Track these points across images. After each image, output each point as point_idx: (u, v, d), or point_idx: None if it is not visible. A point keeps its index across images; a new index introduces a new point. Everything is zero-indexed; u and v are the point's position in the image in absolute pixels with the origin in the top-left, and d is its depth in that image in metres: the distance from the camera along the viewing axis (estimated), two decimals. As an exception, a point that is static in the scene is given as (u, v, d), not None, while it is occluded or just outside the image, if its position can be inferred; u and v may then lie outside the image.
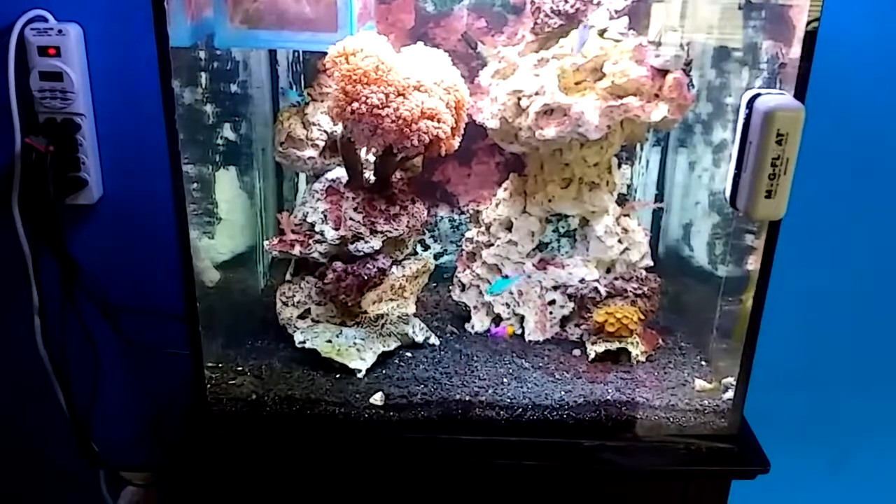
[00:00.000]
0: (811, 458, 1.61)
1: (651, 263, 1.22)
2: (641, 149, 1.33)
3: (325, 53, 1.01)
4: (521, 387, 1.08)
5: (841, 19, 1.22)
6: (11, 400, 1.52)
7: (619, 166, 1.23)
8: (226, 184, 1.20)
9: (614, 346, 1.13)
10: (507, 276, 1.19)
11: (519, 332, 1.20)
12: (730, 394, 1.05)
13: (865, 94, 1.34)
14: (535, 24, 1.13)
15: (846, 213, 1.42)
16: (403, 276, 1.18)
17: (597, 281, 1.17)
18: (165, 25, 0.89)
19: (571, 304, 1.19)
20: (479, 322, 1.22)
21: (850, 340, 1.51)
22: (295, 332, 1.14)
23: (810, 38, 0.89)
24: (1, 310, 1.45)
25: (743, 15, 1.12)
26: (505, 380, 1.09)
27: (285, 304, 1.17)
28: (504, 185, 1.23)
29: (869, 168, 1.39)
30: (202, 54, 1.08)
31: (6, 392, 1.52)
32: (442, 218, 1.34)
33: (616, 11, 1.10)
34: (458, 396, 1.06)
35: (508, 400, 1.05)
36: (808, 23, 0.89)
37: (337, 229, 1.11)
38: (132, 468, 1.54)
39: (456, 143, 1.07)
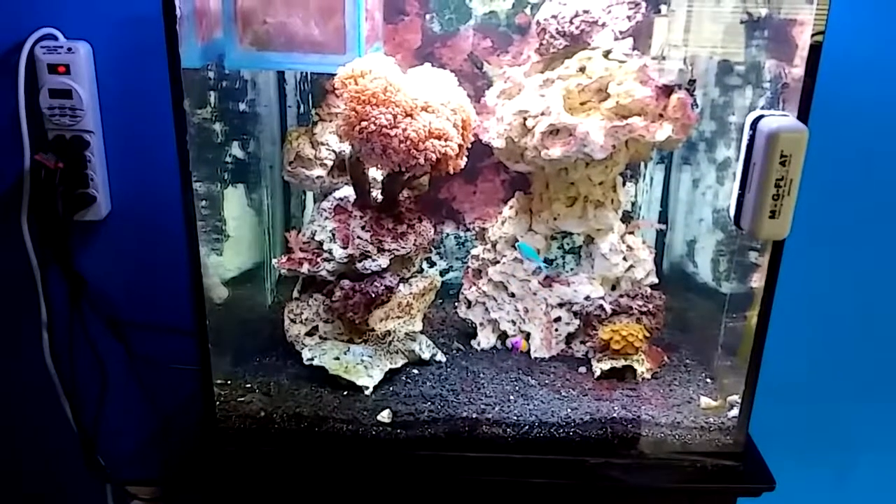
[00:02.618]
0: (816, 473, 1.61)
1: (656, 281, 1.23)
2: (646, 167, 1.34)
3: (334, 74, 1.02)
4: (527, 404, 1.09)
5: (843, 39, 1.23)
6: (19, 414, 1.53)
7: (624, 184, 1.24)
8: (234, 201, 1.21)
9: (620, 363, 1.14)
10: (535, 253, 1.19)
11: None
12: (735, 411, 1.06)
13: (868, 112, 1.35)
14: (541, 44, 1.15)
15: (849, 229, 1.43)
16: (410, 293, 1.19)
17: (602, 298, 1.18)
18: (177, 47, 0.91)
19: (577, 322, 1.20)
20: (485, 339, 1.23)
21: (853, 356, 1.52)
22: (303, 349, 1.15)
23: (814, 52, 0.90)
24: (9, 325, 1.46)
25: (746, 35, 1.13)
26: (511, 397, 1.10)
27: (293, 321, 1.18)
28: (510, 203, 1.24)
29: (872, 185, 1.40)
30: (211, 74, 1.10)
31: (14, 406, 1.52)
32: (448, 235, 1.35)
33: (620, 32, 1.11)
34: (464, 414, 1.07)
35: (514, 417, 1.06)
36: (813, 35, 0.89)
37: (345, 247, 1.12)
38: (138, 482, 1.55)
39: (462, 162, 1.08)
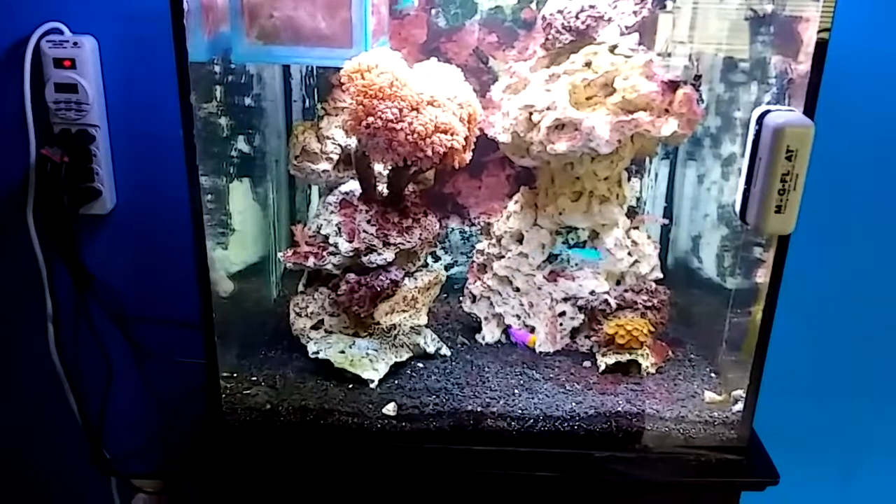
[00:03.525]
0: (821, 469, 1.61)
1: (661, 276, 1.23)
2: (651, 162, 1.34)
3: (340, 68, 1.02)
4: (532, 398, 1.09)
5: (849, 34, 1.23)
6: (24, 407, 1.54)
7: (629, 179, 1.24)
8: (239, 195, 1.21)
9: (624, 357, 1.14)
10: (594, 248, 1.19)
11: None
12: (739, 406, 1.06)
13: (874, 107, 1.35)
14: (546, 39, 1.14)
15: (854, 224, 1.43)
16: (416, 287, 1.19)
17: (607, 293, 1.18)
18: (185, 41, 0.91)
19: (582, 316, 1.20)
20: (489, 333, 1.23)
21: (859, 351, 1.52)
22: (308, 342, 1.15)
23: (821, 48, 0.90)
24: (15, 318, 1.46)
25: (751, 31, 1.13)
26: (516, 391, 1.10)
27: (299, 314, 1.18)
28: (515, 197, 1.24)
29: (878, 180, 1.40)
30: (217, 68, 1.10)
31: (19, 399, 1.53)
32: (453, 229, 1.36)
33: (626, 28, 1.11)
34: (469, 407, 1.07)
35: (520, 411, 1.06)
36: (819, 31, 0.89)
37: (351, 241, 1.12)
38: (143, 476, 1.56)
39: (468, 156, 1.08)
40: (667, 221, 1.35)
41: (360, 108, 0.99)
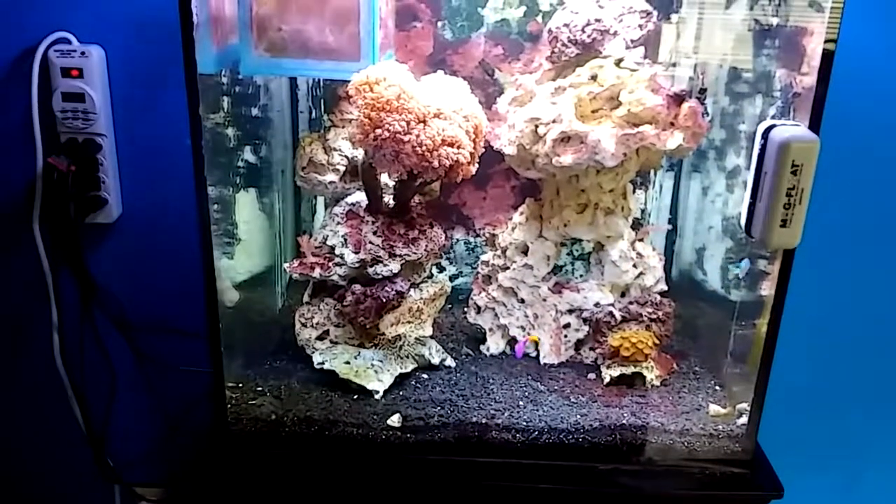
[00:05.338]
0: (824, 482, 1.61)
1: (665, 288, 1.23)
2: (655, 174, 1.34)
3: (347, 81, 1.03)
4: (537, 410, 1.09)
5: (854, 48, 1.23)
6: (29, 415, 1.54)
7: (634, 191, 1.24)
8: (245, 205, 1.22)
9: (629, 370, 1.15)
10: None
11: (534, 354, 1.21)
12: (744, 419, 1.06)
13: (879, 122, 1.35)
14: (552, 52, 1.15)
15: (860, 238, 1.43)
16: (421, 298, 1.19)
17: (611, 305, 1.18)
18: (194, 53, 0.91)
19: (586, 328, 1.20)
20: (494, 344, 1.24)
21: (863, 364, 1.52)
22: (313, 353, 1.15)
23: (826, 60, 0.90)
24: (21, 327, 1.46)
25: (756, 44, 1.14)
26: (521, 403, 1.10)
27: (304, 325, 1.18)
28: (520, 209, 1.24)
29: (883, 193, 1.41)
30: (224, 79, 1.10)
31: (24, 407, 1.53)
32: (458, 240, 1.36)
33: (632, 41, 1.11)
34: (474, 419, 1.07)
35: (524, 423, 1.07)
36: (825, 42, 0.90)
37: (357, 252, 1.13)
38: (146, 484, 1.56)
39: (474, 168, 1.08)
40: (671, 227, 1.35)
41: (368, 121, 1.00)
